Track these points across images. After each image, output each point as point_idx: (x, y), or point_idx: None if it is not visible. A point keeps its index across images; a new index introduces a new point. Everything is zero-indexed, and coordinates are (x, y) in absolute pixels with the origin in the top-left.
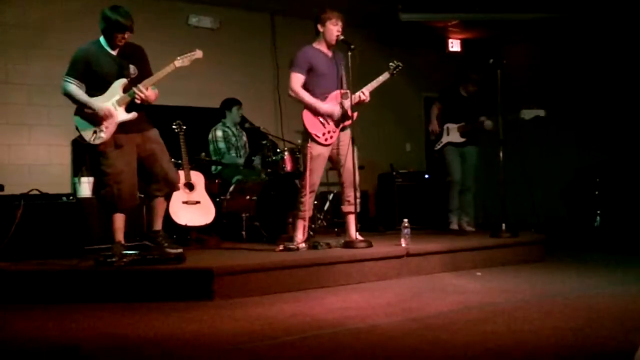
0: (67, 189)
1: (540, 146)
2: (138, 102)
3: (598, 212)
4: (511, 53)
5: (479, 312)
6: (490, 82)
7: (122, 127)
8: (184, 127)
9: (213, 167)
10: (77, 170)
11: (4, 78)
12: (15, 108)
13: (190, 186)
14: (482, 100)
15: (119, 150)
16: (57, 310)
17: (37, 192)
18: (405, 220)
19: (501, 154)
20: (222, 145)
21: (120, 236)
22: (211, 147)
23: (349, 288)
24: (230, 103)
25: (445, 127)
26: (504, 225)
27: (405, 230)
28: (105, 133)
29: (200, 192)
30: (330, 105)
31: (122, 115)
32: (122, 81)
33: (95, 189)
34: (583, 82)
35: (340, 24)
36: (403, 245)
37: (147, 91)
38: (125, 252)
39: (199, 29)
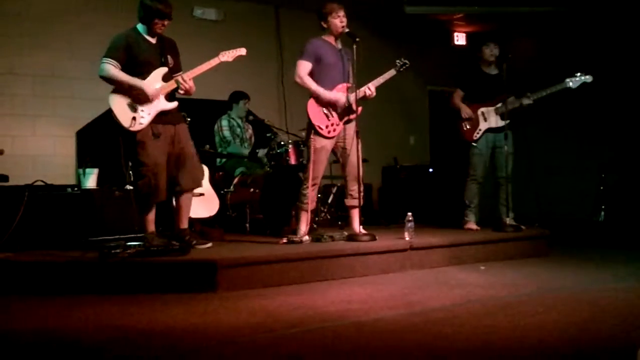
0: (72, 180)
1: (545, 140)
2: (182, 92)
3: (602, 207)
4: (517, 46)
5: (482, 306)
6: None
7: (160, 117)
8: (188, 119)
9: (218, 160)
10: (82, 162)
11: (8, 69)
12: (19, 99)
13: None
14: (510, 76)
15: (156, 140)
16: (60, 301)
17: (41, 183)
18: (409, 213)
19: (506, 148)
20: (227, 133)
21: (152, 227)
22: (217, 137)
23: (353, 281)
24: (238, 96)
25: (479, 112)
26: (508, 219)
27: (409, 224)
28: (145, 120)
29: (204, 184)
30: (336, 93)
31: (164, 103)
32: (163, 69)
33: (133, 179)
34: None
35: (342, 13)
36: (407, 238)
37: (191, 82)
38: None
39: (203, 21)
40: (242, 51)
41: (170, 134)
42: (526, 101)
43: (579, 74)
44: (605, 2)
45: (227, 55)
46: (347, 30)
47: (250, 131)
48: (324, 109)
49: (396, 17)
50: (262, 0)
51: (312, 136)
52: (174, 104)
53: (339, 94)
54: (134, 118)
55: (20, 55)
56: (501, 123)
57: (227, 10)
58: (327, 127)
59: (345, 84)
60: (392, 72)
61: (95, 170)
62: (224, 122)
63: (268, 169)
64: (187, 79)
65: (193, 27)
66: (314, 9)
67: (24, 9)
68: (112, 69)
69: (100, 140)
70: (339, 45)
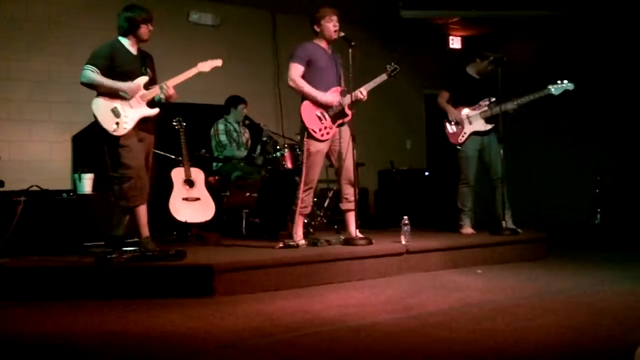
0: (68, 186)
1: (541, 144)
2: (163, 97)
3: (599, 210)
4: (512, 50)
5: (479, 310)
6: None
7: (141, 123)
8: (184, 124)
9: (214, 164)
10: (78, 167)
11: (5, 74)
12: (16, 104)
13: (190, 183)
14: (494, 81)
15: (141, 144)
16: (57, 307)
17: (37, 189)
18: (405, 217)
19: (502, 152)
20: (223, 137)
21: (146, 231)
22: (213, 141)
23: (349, 285)
24: (236, 100)
25: (464, 115)
26: (504, 222)
27: (405, 228)
28: (129, 125)
29: (200, 188)
30: (330, 95)
31: (146, 109)
32: (144, 78)
33: (116, 182)
34: (583, 81)
35: (335, 18)
36: (403, 242)
37: (172, 89)
38: (124, 248)
39: (199, 25)
40: (218, 62)
41: (148, 142)
42: (510, 106)
43: (559, 81)
44: (602, 6)
45: (205, 66)
46: (342, 34)
47: (247, 135)
48: (317, 111)
49: (392, 21)
50: (258, 5)
51: (306, 140)
52: (156, 110)
53: (333, 97)
54: (117, 123)
55: (17, 60)
56: (487, 127)
57: (223, 15)
58: (320, 130)
59: (338, 88)
60: (383, 77)
61: (91, 175)
62: (221, 126)
63: (263, 172)
64: (170, 85)
65: (189, 32)
66: (309, 13)
67: (20, 13)
68: (92, 74)
69: (96, 145)
70: (331, 50)
